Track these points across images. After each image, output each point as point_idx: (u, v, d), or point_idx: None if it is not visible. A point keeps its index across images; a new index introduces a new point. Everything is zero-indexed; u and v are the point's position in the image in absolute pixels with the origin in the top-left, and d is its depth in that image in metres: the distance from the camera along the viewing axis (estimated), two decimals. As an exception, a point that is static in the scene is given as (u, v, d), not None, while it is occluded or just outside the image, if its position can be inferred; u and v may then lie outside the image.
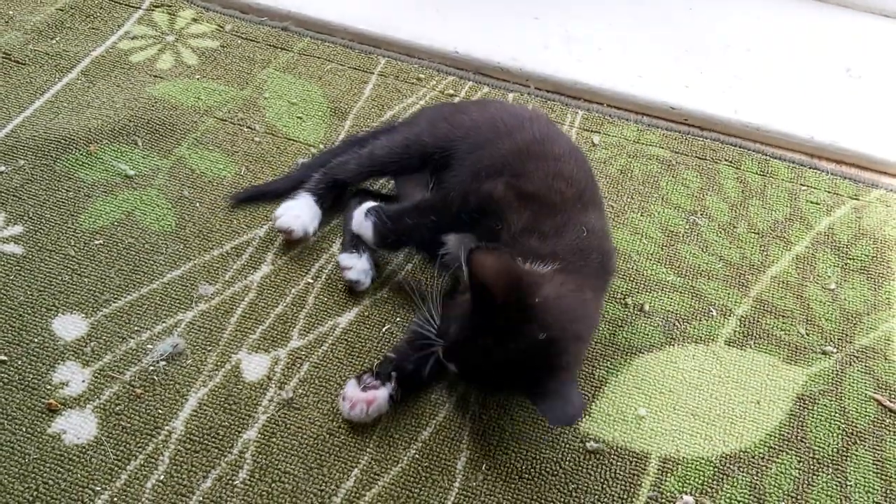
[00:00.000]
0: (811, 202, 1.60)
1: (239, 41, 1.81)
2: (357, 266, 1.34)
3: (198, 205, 1.45)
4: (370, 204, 1.32)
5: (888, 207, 1.60)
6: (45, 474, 1.09)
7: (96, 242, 1.37)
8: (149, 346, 1.24)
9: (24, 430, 1.13)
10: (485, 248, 1.06)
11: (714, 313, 1.38)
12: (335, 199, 1.44)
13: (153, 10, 1.85)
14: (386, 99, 1.71)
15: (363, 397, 1.16)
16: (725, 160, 1.66)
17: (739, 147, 1.70)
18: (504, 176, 1.23)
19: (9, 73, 1.65)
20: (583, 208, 1.23)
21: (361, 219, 1.31)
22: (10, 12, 1.79)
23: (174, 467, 1.11)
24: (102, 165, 1.49)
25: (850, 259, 1.50)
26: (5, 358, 1.20)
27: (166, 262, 1.35)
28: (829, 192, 1.62)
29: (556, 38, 1.92)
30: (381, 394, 1.16)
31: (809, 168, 1.67)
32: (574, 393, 1.06)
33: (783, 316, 1.39)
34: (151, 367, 1.21)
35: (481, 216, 1.21)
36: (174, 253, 1.37)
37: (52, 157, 1.49)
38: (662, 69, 1.86)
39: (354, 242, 1.36)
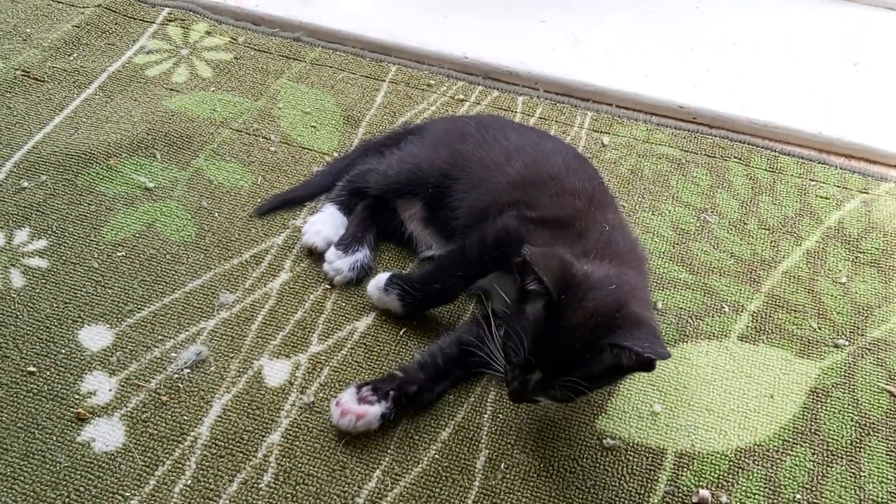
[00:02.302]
0: (821, 197, 1.61)
1: (252, 53, 1.84)
2: (335, 264, 1.38)
3: (216, 215, 1.48)
4: (385, 276, 1.33)
5: (898, 200, 1.61)
6: (75, 482, 1.12)
7: (119, 254, 1.40)
8: (173, 354, 1.27)
9: (54, 438, 1.16)
10: (535, 249, 1.09)
11: (726, 309, 1.40)
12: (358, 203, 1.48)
13: (167, 25, 1.88)
14: (398, 106, 1.74)
15: (355, 410, 1.17)
16: (734, 157, 1.68)
17: (748, 144, 1.71)
18: (511, 208, 1.25)
19: (28, 91, 1.69)
20: (597, 210, 1.26)
21: (381, 294, 1.33)
22: (28, 30, 1.83)
23: (201, 472, 1.14)
24: (122, 178, 1.52)
25: (860, 253, 1.51)
26: (34, 369, 1.24)
27: (187, 272, 1.39)
28: (838, 187, 1.64)
29: (563, 40, 1.94)
30: (374, 411, 1.18)
31: (818, 163, 1.68)
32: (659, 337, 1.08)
33: (795, 311, 1.41)
34: (176, 375, 1.25)
35: (502, 254, 1.22)
36: (195, 262, 1.40)
37: (73, 171, 1.52)
38: (670, 69, 1.88)
39: (349, 242, 1.40)
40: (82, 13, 1.88)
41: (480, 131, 1.44)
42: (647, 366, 1.07)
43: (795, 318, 1.39)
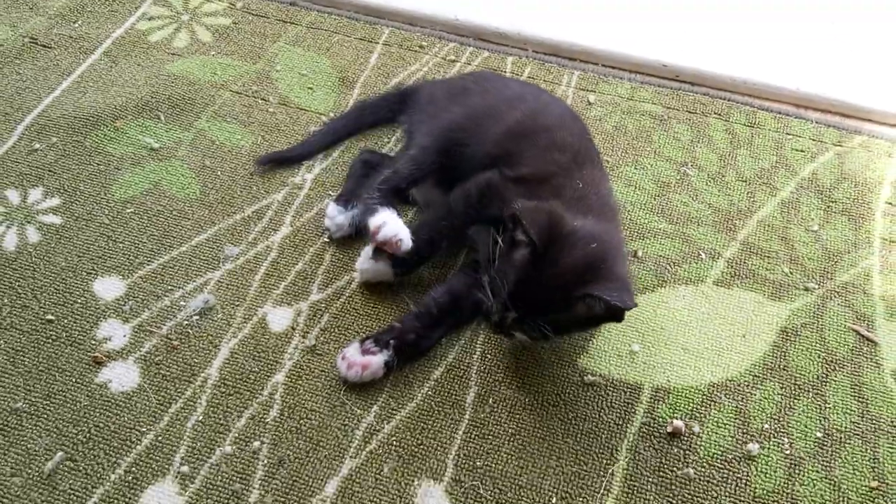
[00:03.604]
0: (796, 150, 1.69)
1: (250, 17, 1.91)
2: (337, 219, 1.44)
3: (219, 173, 1.55)
4: (370, 247, 1.37)
5: (869, 152, 1.68)
6: (95, 419, 1.21)
7: (128, 211, 1.48)
8: (182, 302, 1.36)
9: (73, 380, 1.25)
10: (526, 204, 1.19)
11: (703, 256, 1.48)
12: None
13: (167, -9, 1.95)
14: (391, 67, 1.81)
15: (360, 361, 1.26)
16: (715, 113, 1.75)
17: (728, 100, 1.78)
18: (501, 161, 1.33)
19: (36, 57, 1.75)
20: (579, 166, 1.33)
21: (370, 264, 1.37)
22: (34, -1, 1.90)
23: (211, 409, 1.23)
24: (129, 140, 1.60)
25: (832, 202, 1.59)
26: (53, 318, 1.32)
27: (193, 227, 1.47)
28: (813, 140, 1.71)
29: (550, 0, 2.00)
30: (377, 360, 1.26)
31: (795, 118, 1.75)
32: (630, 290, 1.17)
33: (768, 257, 1.49)
34: (186, 322, 1.33)
35: (486, 207, 1.30)
36: (200, 218, 1.48)
37: (82, 133, 1.60)
38: (655, 27, 1.95)
39: (348, 198, 1.47)
40: (85, -19, 1.95)
41: (480, 83, 1.52)
42: (617, 315, 1.17)
43: (768, 263, 1.48)
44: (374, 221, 1.32)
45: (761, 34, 1.95)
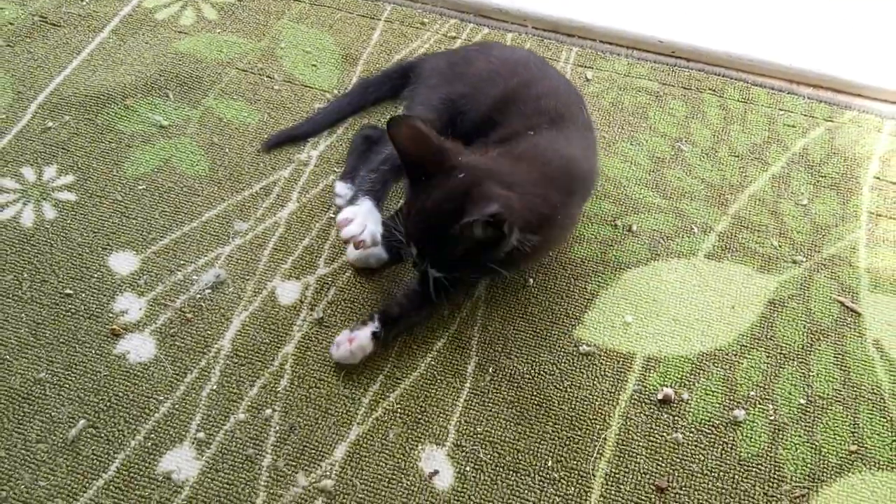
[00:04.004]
0: (788, 125, 1.73)
1: (254, -6, 1.95)
2: (348, 196, 1.47)
3: (227, 150, 1.60)
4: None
5: (859, 127, 1.73)
6: (114, 388, 1.28)
7: (140, 187, 1.54)
8: (194, 277, 1.41)
9: (93, 352, 1.32)
10: (399, 117, 1.22)
11: (696, 230, 1.53)
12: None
13: (172, -31, 1.98)
14: (393, 44, 1.85)
15: (346, 337, 1.31)
16: (709, 89, 1.80)
17: (723, 76, 1.83)
18: (489, 126, 1.39)
19: (46, 35, 1.80)
20: (551, 127, 1.38)
21: (353, 250, 1.40)
22: (42, -24, 1.93)
23: (224, 378, 1.30)
24: (139, 117, 1.65)
25: (821, 176, 1.64)
26: (71, 292, 1.38)
27: (203, 203, 1.52)
28: (805, 116, 1.75)
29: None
30: (363, 332, 1.31)
31: (787, 93, 1.80)
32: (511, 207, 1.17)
33: (758, 230, 1.54)
34: (199, 295, 1.39)
35: None
36: (209, 194, 1.53)
37: (93, 111, 1.65)
38: (651, 3, 1.98)
39: (352, 174, 1.51)
40: (92, -42, 1.98)
41: (485, 51, 1.58)
42: (496, 227, 1.16)
43: (758, 237, 1.53)
44: (341, 215, 1.37)
45: (756, 10, 1.99)
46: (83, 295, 1.38)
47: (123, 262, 1.43)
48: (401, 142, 1.21)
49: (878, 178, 1.64)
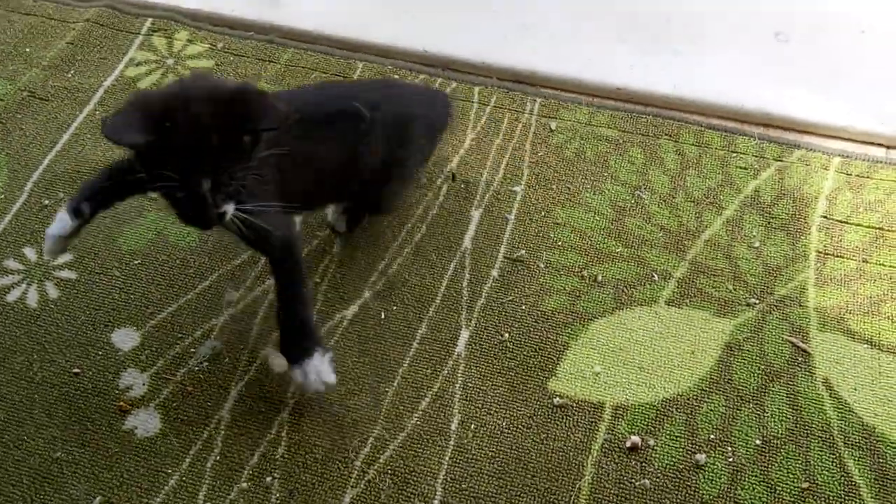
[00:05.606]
0: (740, 167, 1.85)
1: (231, 58, 2.03)
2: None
3: (216, 220, 1.70)
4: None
5: (807, 166, 1.85)
6: (125, 464, 1.38)
7: (135, 262, 1.63)
8: (192, 349, 1.52)
9: (103, 429, 1.42)
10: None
11: (656, 278, 1.65)
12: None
13: (152, 35, 2.07)
14: (366, 103, 1.95)
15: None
16: (665, 134, 1.91)
17: (678, 121, 1.94)
18: None
19: (35, 111, 1.89)
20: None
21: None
22: (27, 49, 2.01)
23: (226, 448, 1.40)
24: (130, 191, 1.74)
25: (772, 218, 1.76)
26: (78, 370, 1.48)
27: (196, 275, 1.62)
28: (756, 157, 1.87)
29: (512, 28, 2.13)
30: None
31: (739, 135, 1.91)
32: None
33: (714, 275, 1.66)
34: (197, 368, 1.50)
35: None
36: (201, 265, 1.63)
37: (86, 188, 1.74)
38: (609, 51, 2.09)
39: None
40: (74, 29, 2.06)
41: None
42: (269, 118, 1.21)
43: (715, 281, 1.65)
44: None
45: (708, 51, 2.09)
46: (90, 373, 1.48)
47: (125, 338, 1.53)
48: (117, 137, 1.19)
49: (825, 216, 1.76)
